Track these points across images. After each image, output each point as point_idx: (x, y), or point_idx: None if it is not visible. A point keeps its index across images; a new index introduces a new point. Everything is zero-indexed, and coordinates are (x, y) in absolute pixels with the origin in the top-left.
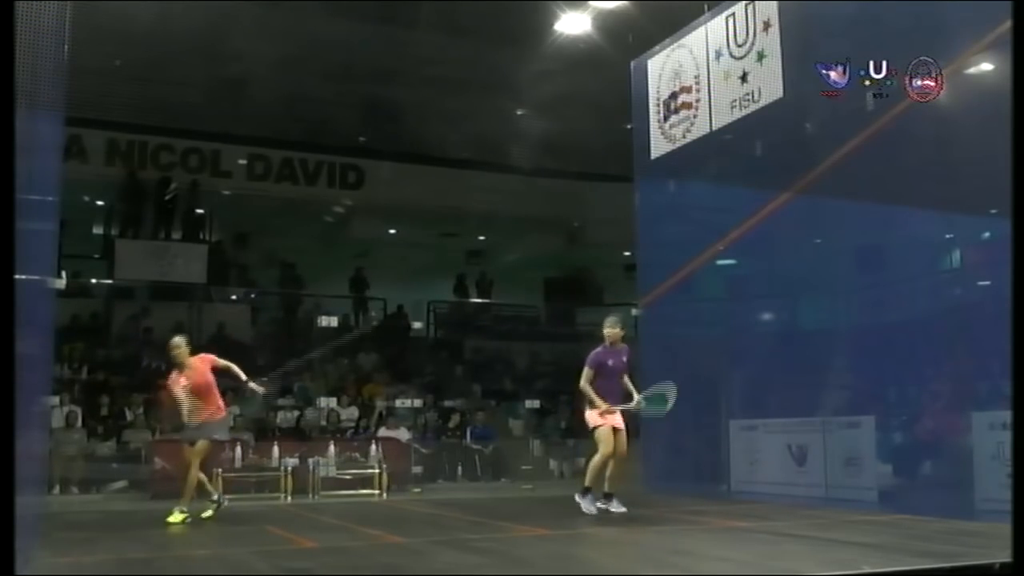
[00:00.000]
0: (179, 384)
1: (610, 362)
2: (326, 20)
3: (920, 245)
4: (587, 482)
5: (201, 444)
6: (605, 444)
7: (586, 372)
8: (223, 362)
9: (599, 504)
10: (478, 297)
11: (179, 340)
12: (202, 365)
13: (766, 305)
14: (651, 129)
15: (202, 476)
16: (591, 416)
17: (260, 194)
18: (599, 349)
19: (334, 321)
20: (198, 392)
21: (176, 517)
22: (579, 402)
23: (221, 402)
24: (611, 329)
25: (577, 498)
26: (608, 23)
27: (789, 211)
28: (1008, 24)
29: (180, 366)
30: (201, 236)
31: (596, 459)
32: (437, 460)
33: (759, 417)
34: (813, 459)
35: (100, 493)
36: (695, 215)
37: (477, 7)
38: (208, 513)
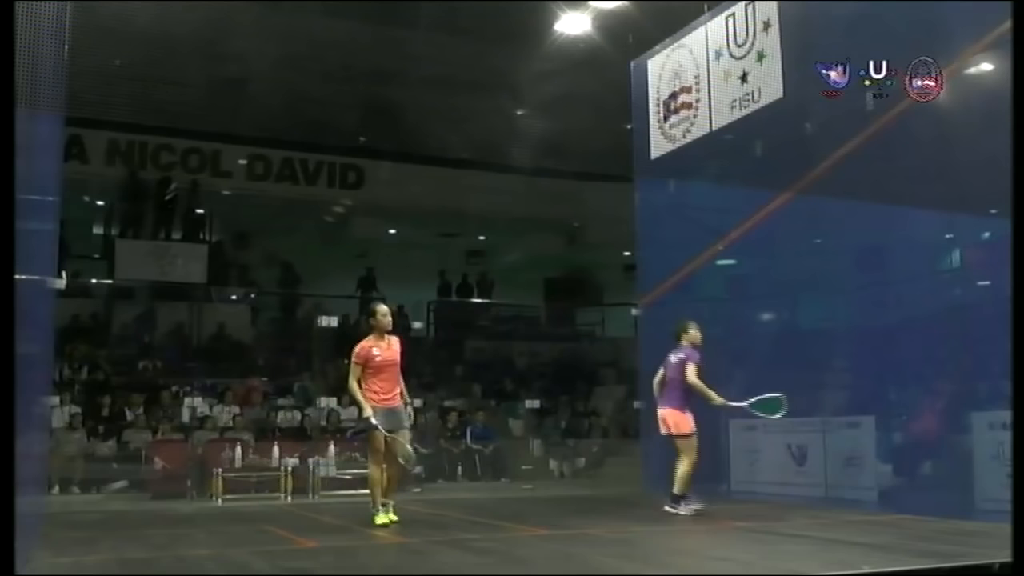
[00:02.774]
0: (368, 354)
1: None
2: (326, 20)
3: (920, 245)
4: (681, 490)
5: (403, 434)
6: (695, 451)
7: (695, 369)
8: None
9: (669, 508)
10: (478, 297)
11: (386, 308)
12: (398, 345)
13: (766, 305)
14: (651, 129)
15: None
16: (688, 421)
17: (260, 194)
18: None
19: (334, 321)
20: (389, 369)
21: (385, 518)
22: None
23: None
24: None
25: (672, 508)
26: (608, 23)
27: (789, 211)
28: (1008, 24)
29: (380, 335)
30: (201, 236)
31: (687, 467)
32: (437, 460)
33: (759, 417)
34: (813, 459)
35: (100, 493)
36: (695, 215)
37: (477, 7)
38: (385, 519)
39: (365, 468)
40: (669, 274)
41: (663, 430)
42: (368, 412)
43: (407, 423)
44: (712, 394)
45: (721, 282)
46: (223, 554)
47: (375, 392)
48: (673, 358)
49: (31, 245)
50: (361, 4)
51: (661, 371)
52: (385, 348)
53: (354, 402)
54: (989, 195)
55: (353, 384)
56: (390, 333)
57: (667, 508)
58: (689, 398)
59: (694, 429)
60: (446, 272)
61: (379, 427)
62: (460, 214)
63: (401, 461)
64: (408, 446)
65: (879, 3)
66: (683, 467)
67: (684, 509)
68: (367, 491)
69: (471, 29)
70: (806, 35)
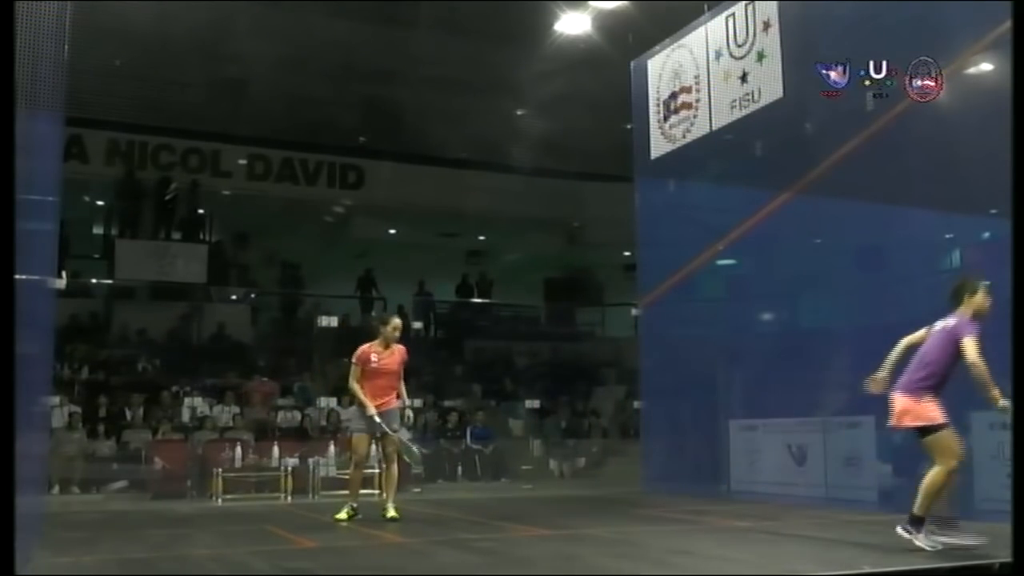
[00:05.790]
0: (367, 358)
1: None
2: (326, 20)
3: (920, 245)
4: (921, 509)
5: (393, 436)
6: (954, 454)
7: (975, 344)
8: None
9: (902, 531)
10: (478, 297)
11: (399, 322)
12: (400, 356)
13: (766, 305)
14: (651, 129)
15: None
16: (933, 409)
17: (260, 194)
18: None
19: (334, 321)
20: (384, 376)
21: (345, 515)
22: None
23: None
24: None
25: (905, 531)
26: (608, 23)
27: (789, 211)
28: (1008, 24)
29: (385, 344)
30: (201, 236)
31: (939, 474)
32: (437, 460)
33: (759, 417)
34: (813, 459)
35: (100, 493)
36: (695, 215)
37: (477, 7)
38: (345, 515)
39: (365, 468)
40: (669, 274)
41: (897, 421)
42: (372, 411)
43: (396, 424)
44: (996, 392)
45: (721, 282)
46: (223, 554)
47: (367, 395)
48: (939, 326)
49: (31, 245)
50: (361, 4)
51: (906, 341)
52: (386, 356)
53: (355, 400)
54: (989, 195)
55: (353, 384)
56: (398, 343)
57: (903, 530)
58: (938, 384)
59: (943, 420)
60: (451, 271)
61: (364, 430)
62: (460, 214)
63: (407, 460)
64: (413, 448)
65: (879, 3)
66: (931, 475)
67: (923, 540)
68: (367, 491)
69: (471, 29)
70: (806, 35)
